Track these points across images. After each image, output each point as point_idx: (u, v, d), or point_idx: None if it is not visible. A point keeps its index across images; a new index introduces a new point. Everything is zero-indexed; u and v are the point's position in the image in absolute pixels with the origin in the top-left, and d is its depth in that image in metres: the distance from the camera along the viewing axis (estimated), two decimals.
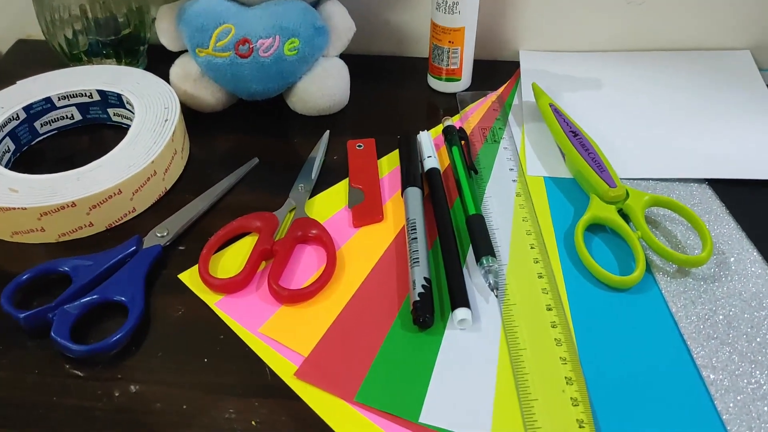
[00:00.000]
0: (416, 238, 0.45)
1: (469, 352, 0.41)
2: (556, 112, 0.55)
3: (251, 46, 0.52)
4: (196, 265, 0.45)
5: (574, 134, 0.52)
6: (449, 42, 0.59)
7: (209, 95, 0.56)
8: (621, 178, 0.52)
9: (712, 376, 0.39)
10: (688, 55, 0.65)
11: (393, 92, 0.63)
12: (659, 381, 0.39)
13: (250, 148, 0.56)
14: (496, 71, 0.66)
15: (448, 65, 0.60)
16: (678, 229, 0.48)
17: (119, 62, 0.61)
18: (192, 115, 0.59)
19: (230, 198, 0.51)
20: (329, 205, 0.51)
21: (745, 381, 0.39)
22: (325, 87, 0.56)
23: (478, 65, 0.65)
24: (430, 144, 0.54)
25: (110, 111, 0.57)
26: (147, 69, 0.60)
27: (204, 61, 0.54)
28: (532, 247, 0.47)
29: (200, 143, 0.57)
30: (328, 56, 0.57)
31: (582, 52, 0.67)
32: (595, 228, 0.48)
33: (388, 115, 0.60)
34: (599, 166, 0.50)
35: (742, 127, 0.56)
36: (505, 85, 0.63)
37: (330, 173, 0.54)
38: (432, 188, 0.50)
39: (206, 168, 0.54)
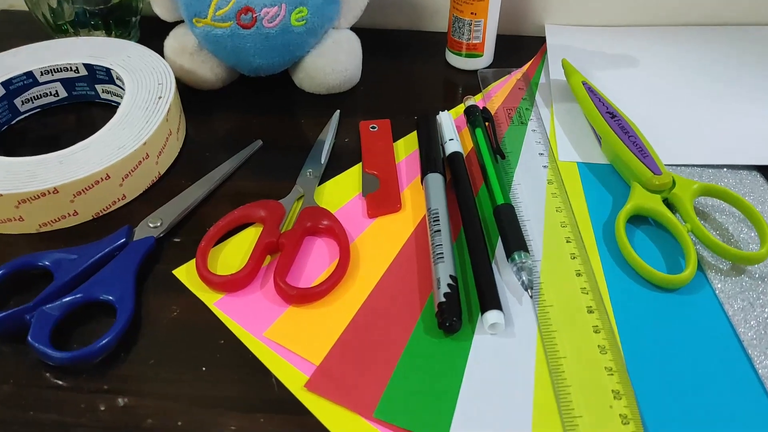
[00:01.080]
0: (439, 231, 0.41)
1: (501, 361, 0.36)
2: (590, 91, 0.50)
3: (254, 16, 0.47)
4: (193, 260, 0.40)
5: (612, 116, 0.47)
6: (471, 14, 0.53)
7: (208, 71, 0.51)
8: (665, 165, 0.47)
9: None
10: (732, 30, 0.60)
11: (409, 69, 0.58)
12: (717, 395, 0.34)
13: (252, 130, 0.51)
14: (519, 47, 0.60)
15: (469, 39, 0.55)
16: (729, 222, 0.43)
17: (109, 34, 0.56)
18: (189, 93, 0.54)
19: (231, 184, 0.46)
20: (341, 193, 0.46)
21: None
22: (335, 62, 0.51)
23: (500, 40, 0.60)
24: (451, 125, 0.49)
25: (98, 87, 0.52)
26: (140, 42, 0.55)
27: (202, 33, 0.49)
28: (568, 241, 0.42)
29: (198, 124, 0.52)
30: (339, 28, 0.51)
31: (614, 26, 0.61)
32: (638, 220, 0.44)
33: (404, 94, 0.55)
34: (641, 150, 0.45)
35: None
36: (531, 61, 0.58)
37: (341, 157, 0.49)
38: (455, 174, 0.45)
39: (205, 151, 0.49)
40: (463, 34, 0.55)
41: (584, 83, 0.50)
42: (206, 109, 0.53)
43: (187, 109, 0.52)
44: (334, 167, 0.48)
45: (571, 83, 0.52)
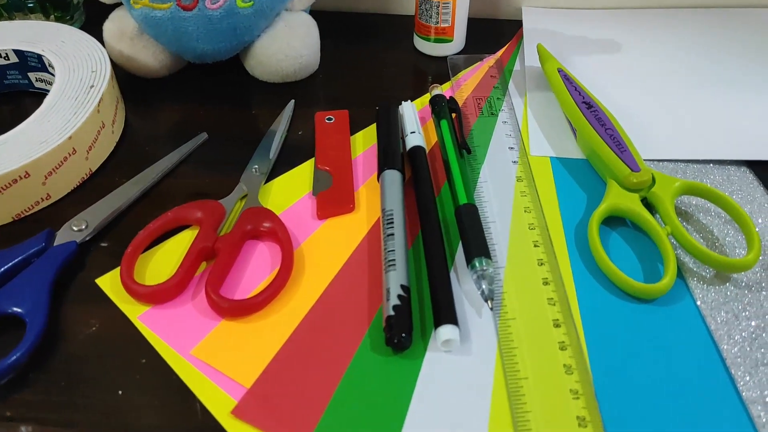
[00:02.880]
0: (393, 235, 0.37)
1: (455, 382, 0.32)
2: (566, 78, 0.46)
3: None
4: (119, 268, 0.36)
5: (588, 106, 0.43)
6: None
7: (150, 57, 0.47)
8: (646, 159, 0.43)
9: (763, 414, 0.31)
10: (721, 14, 0.56)
11: (374, 55, 0.54)
12: (696, 420, 0.31)
13: (199, 121, 0.47)
14: (494, 31, 0.56)
15: (438, 23, 0.51)
16: (715, 223, 0.39)
17: (47, 18, 0.52)
18: (132, 82, 0.50)
19: (170, 182, 0.42)
20: (290, 192, 0.42)
21: None
22: (288, 47, 0.46)
23: (474, 24, 0.56)
24: (413, 117, 0.45)
25: (31, 76, 0.47)
26: (85, 28, 0.51)
27: (141, 15, 0.45)
28: (535, 245, 0.38)
29: (140, 115, 0.48)
30: (293, 10, 0.47)
31: (597, 9, 0.57)
32: (614, 221, 0.40)
33: (367, 82, 0.51)
34: (619, 145, 0.41)
35: None
36: (505, 47, 0.54)
37: (293, 152, 0.45)
38: (415, 171, 0.41)
39: (145, 145, 0.45)
40: (430, 17, 0.50)
41: (560, 70, 0.46)
42: (149, 99, 0.49)
43: (128, 99, 0.48)
44: (285, 163, 0.44)
45: (545, 70, 0.47)
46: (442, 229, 0.39)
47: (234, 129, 0.46)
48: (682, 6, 0.57)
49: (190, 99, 0.49)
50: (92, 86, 0.42)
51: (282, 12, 0.46)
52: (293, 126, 0.47)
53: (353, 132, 0.46)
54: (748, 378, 0.32)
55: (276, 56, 0.46)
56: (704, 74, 0.50)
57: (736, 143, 0.44)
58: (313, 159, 0.44)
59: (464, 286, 0.36)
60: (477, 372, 0.32)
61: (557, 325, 0.34)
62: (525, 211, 0.40)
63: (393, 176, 0.40)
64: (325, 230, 0.39)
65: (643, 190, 0.39)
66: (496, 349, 0.33)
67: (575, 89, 0.45)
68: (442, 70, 0.52)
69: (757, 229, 0.39)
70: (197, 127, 0.46)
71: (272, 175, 0.43)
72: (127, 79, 0.50)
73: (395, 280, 0.34)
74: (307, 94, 0.50)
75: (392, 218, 0.38)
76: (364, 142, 0.45)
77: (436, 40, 0.52)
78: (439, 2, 0.49)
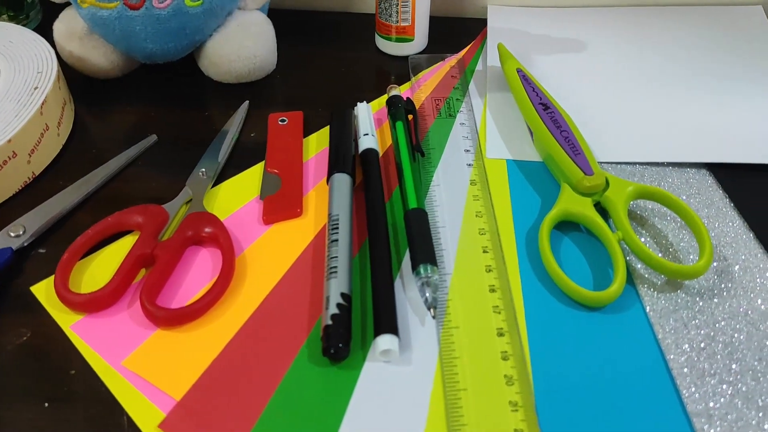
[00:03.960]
0: (337, 241, 0.36)
1: (393, 393, 0.31)
2: (525, 79, 0.45)
3: None
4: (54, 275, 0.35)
5: (545, 107, 0.42)
6: None
7: (101, 57, 0.46)
8: (602, 162, 0.42)
9: (706, 427, 0.30)
10: (687, 12, 0.55)
11: (335, 55, 0.53)
12: None
13: (151, 123, 0.46)
14: (459, 30, 0.55)
15: (398, 22, 0.50)
16: (669, 228, 0.38)
17: None
18: (84, 83, 0.49)
19: (115, 186, 0.41)
20: (237, 196, 0.41)
21: None
22: (241, 48, 0.45)
23: (438, 23, 0.55)
24: (368, 119, 0.44)
25: None
26: (41, 27, 0.49)
27: (88, 14, 0.43)
28: (485, 251, 0.37)
29: (91, 117, 0.46)
30: (247, 9, 0.46)
31: (563, 7, 0.56)
32: (569, 225, 0.39)
33: (327, 83, 0.50)
34: (573, 147, 0.40)
35: (751, 100, 0.46)
36: (469, 46, 0.53)
37: (245, 154, 0.44)
38: (365, 175, 0.41)
39: (93, 148, 0.44)
40: (390, 16, 0.49)
41: (519, 70, 0.45)
42: (101, 100, 0.48)
43: (79, 101, 0.47)
44: (236, 166, 0.43)
45: (505, 70, 0.46)
46: (389, 235, 0.38)
47: (186, 131, 0.45)
48: (649, 4, 0.56)
49: (143, 100, 0.48)
50: (36, 88, 0.41)
51: (235, 11, 0.45)
52: (247, 128, 0.46)
53: (308, 134, 0.45)
54: (693, 389, 0.31)
55: (228, 57, 0.45)
56: (668, 74, 0.49)
57: (696, 146, 0.43)
58: (263, 162, 0.43)
59: (409, 294, 0.35)
60: (415, 383, 0.31)
61: (501, 334, 0.33)
62: (476, 215, 0.39)
63: (342, 180, 0.39)
64: (270, 236, 0.38)
65: (597, 194, 0.38)
66: (437, 358, 0.32)
67: (533, 90, 0.44)
68: (405, 70, 0.51)
69: (712, 234, 0.38)
70: (148, 128, 0.45)
71: (221, 178, 0.42)
72: (79, 80, 0.49)
73: (335, 288, 0.34)
74: (263, 94, 0.49)
75: (337, 224, 0.37)
76: (318, 144, 0.44)
77: (398, 40, 0.51)
78: (398, 1, 0.48)
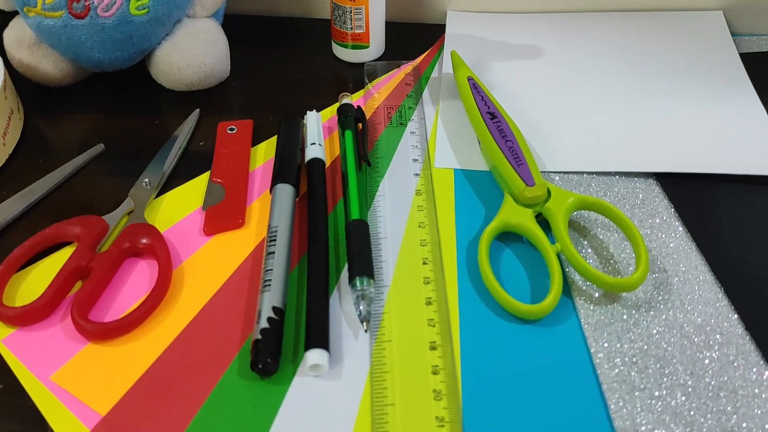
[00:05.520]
0: (273, 253, 0.36)
1: (320, 409, 0.31)
2: (475, 87, 0.44)
3: (87, 4, 0.42)
4: None
5: (492, 116, 0.42)
6: (351, 0, 0.48)
7: (50, 65, 0.46)
8: (550, 172, 0.42)
9: None
10: (647, 17, 0.55)
11: (291, 62, 0.52)
12: None
13: (101, 132, 0.46)
14: (418, 36, 0.55)
15: (352, 29, 0.49)
16: (612, 239, 0.38)
17: None
18: (37, 91, 0.49)
19: (59, 196, 0.41)
20: (180, 206, 0.40)
21: None
22: (190, 56, 0.45)
23: (397, 29, 0.54)
24: (316, 127, 0.44)
25: None
26: None
27: (34, 23, 0.43)
28: (424, 263, 0.37)
29: (40, 126, 0.46)
30: (196, 17, 0.46)
31: (524, 13, 0.56)
32: (512, 237, 0.39)
33: (282, 90, 0.50)
34: (516, 158, 0.39)
35: (702, 109, 0.46)
36: (426, 53, 0.53)
37: (192, 164, 0.43)
38: (310, 185, 0.40)
39: (39, 157, 0.44)
40: (344, 23, 0.49)
41: (470, 78, 0.45)
42: (52, 108, 0.48)
43: (30, 109, 0.47)
44: (182, 175, 0.43)
45: (456, 78, 0.46)
46: (330, 247, 0.38)
47: (136, 139, 0.45)
48: (608, 9, 0.55)
49: (94, 108, 0.48)
50: None
51: (184, 19, 0.45)
52: (196, 136, 0.45)
53: (259, 142, 0.45)
54: (621, 404, 0.31)
55: (177, 65, 0.45)
56: (623, 82, 0.48)
57: (644, 155, 0.43)
58: (209, 172, 0.43)
59: (345, 307, 0.35)
60: (344, 398, 0.31)
61: (434, 348, 0.33)
62: (419, 226, 0.39)
63: (284, 190, 0.39)
64: (210, 247, 0.38)
65: (538, 205, 0.38)
66: (367, 373, 0.32)
67: (482, 99, 0.43)
68: (362, 77, 0.51)
69: (654, 245, 0.38)
70: (98, 137, 0.45)
71: (167, 187, 0.42)
72: (31, 88, 0.48)
73: (268, 302, 0.33)
74: (216, 102, 0.48)
75: (275, 235, 0.36)
76: (267, 153, 0.44)
77: (354, 47, 0.51)
78: (351, 7, 0.48)
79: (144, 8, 0.42)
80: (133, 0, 0.42)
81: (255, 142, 0.45)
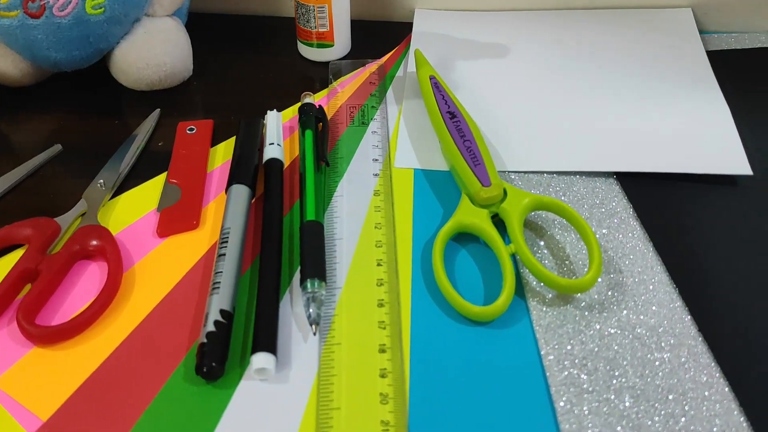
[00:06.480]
0: (224, 255, 0.35)
1: (265, 413, 0.31)
2: (436, 86, 0.44)
3: (42, 3, 0.41)
4: None
5: (452, 116, 0.42)
6: None
7: (9, 65, 0.45)
8: (510, 172, 0.42)
9: None
10: (616, 15, 0.54)
11: (256, 61, 0.52)
12: None
13: (60, 132, 0.45)
14: (386, 35, 0.54)
15: (316, 27, 0.49)
16: (568, 239, 0.38)
17: None
18: None
19: (12, 198, 0.41)
20: (136, 208, 0.40)
21: None
22: (149, 56, 0.45)
23: (365, 27, 0.54)
24: (276, 127, 0.43)
25: None
26: None
27: None
28: (379, 264, 0.37)
29: (1, 126, 0.46)
30: (155, 16, 0.45)
31: (492, 11, 0.55)
32: (469, 238, 0.38)
33: (247, 90, 0.49)
34: (474, 158, 0.39)
35: (665, 107, 0.45)
36: (392, 51, 0.52)
37: (151, 164, 0.43)
38: (266, 186, 0.40)
39: None
40: (308, 22, 0.49)
41: (432, 77, 0.45)
42: (12, 108, 0.47)
43: None
44: (139, 176, 0.42)
45: (419, 77, 0.46)
46: (282, 249, 0.37)
47: (95, 139, 0.45)
48: (579, 7, 0.55)
49: (54, 109, 0.47)
50: None
51: (142, 18, 0.45)
52: (156, 136, 0.45)
53: (219, 143, 0.45)
54: (569, 407, 0.31)
55: (136, 65, 0.45)
56: (587, 80, 0.48)
57: (604, 154, 0.42)
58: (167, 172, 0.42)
59: (296, 309, 0.35)
60: (289, 402, 0.31)
61: (383, 351, 0.33)
62: (376, 227, 0.39)
63: (239, 191, 0.39)
64: (164, 249, 0.38)
65: (494, 205, 0.38)
66: (314, 377, 0.32)
67: (443, 98, 0.43)
68: (327, 76, 0.51)
69: (611, 246, 0.37)
70: (57, 137, 0.45)
71: (123, 188, 0.41)
72: None
73: (216, 305, 0.33)
74: (180, 102, 0.48)
75: (227, 237, 0.36)
76: (226, 153, 0.44)
77: (319, 45, 0.50)
78: (314, 6, 0.47)
79: (100, 7, 0.42)
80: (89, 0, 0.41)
81: (216, 142, 0.45)
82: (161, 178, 0.42)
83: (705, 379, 0.32)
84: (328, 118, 0.46)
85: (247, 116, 0.45)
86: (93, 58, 0.45)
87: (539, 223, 0.39)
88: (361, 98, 0.47)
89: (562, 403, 0.31)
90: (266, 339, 0.32)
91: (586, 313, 0.34)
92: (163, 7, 0.45)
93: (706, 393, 0.31)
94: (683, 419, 0.30)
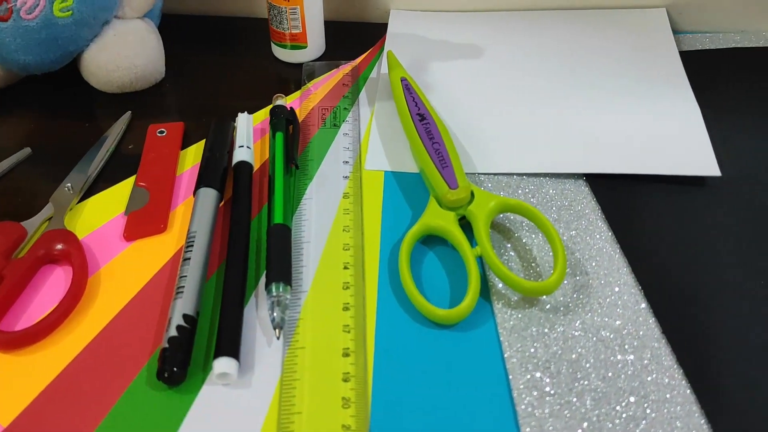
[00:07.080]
0: (189, 259, 0.35)
1: (226, 418, 0.30)
2: (407, 88, 0.44)
3: (10, 6, 0.41)
4: None
5: (421, 118, 0.42)
6: (285, 0, 0.47)
7: None
8: (480, 174, 0.42)
9: None
10: (590, 16, 0.54)
11: (230, 63, 0.52)
12: None
13: (30, 135, 0.45)
14: (361, 36, 0.54)
15: (289, 29, 0.49)
16: (536, 242, 0.38)
17: None
18: None
19: None
20: (103, 211, 0.40)
21: None
22: (119, 58, 0.45)
23: (340, 28, 0.54)
24: (246, 130, 0.43)
25: None
26: None
27: None
28: (345, 268, 0.37)
29: None
30: (125, 18, 0.45)
31: (467, 11, 0.55)
32: (437, 241, 0.38)
33: (219, 91, 0.49)
34: (442, 160, 0.39)
35: (636, 108, 0.45)
36: (366, 53, 0.52)
37: (120, 168, 0.43)
38: (235, 189, 0.40)
39: None
40: (281, 23, 0.49)
41: (403, 79, 0.45)
42: None
43: None
44: (108, 179, 0.42)
45: (391, 79, 0.46)
46: (249, 253, 0.37)
47: (65, 143, 0.44)
48: (554, 8, 0.55)
49: (24, 112, 0.47)
50: None
51: (112, 20, 0.44)
52: (126, 139, 0.45)
53: (190, 145, 0.44)
54: (530, 410, 0.31)
55: (107, 67, 0.44)
56: (560, 81, 0.48)
57: (573, 156, 0.42)
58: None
59: (262, 313, 0.35)
60: (251, 407, 0.31)
61: (346, 354, 0.33)
62: (344, 230, 0.39)
63: (207, 195, 0.39)
64: (130, 253, 0.38)
65: (461, 207, 0.38)
66: (277, 381, 0.32)
67: (413, 100, 0.43)
68: (300, 77, 0.50)
69: (578, 248, 0.37)
70: (27, 141, 0.44)
71: (91, 191, 0.41)
72: None
73: (179, 310, 0.33)
74: (152, 104, 0.48)
75: (193, 241, 0.36)
76: (196, 156, 0.44)
77: (292, 47, 0.50)
78: (286, 7, 0.47)
79: (68, 10, 0.41)
80: (57, 2, 0.41)
81: (187, 144, 0.45)
82: (130, 181, 0.42)
83: (667, 381, 0.32)
84: (300, 119, 0.46)
85: (217, 118, 0.45)
86: (63, 60, 0.44)
87: (507, 225, 0.39)
88: (333, 100, 0.47)
89: (523, 406, 0.31)
90: (229, 344, 0.32)
91: (551, 316, 0.34)
92: (134, 10, 0.45)
93: (668, 395, 0.31)
94: (644, 422, 0.30)
